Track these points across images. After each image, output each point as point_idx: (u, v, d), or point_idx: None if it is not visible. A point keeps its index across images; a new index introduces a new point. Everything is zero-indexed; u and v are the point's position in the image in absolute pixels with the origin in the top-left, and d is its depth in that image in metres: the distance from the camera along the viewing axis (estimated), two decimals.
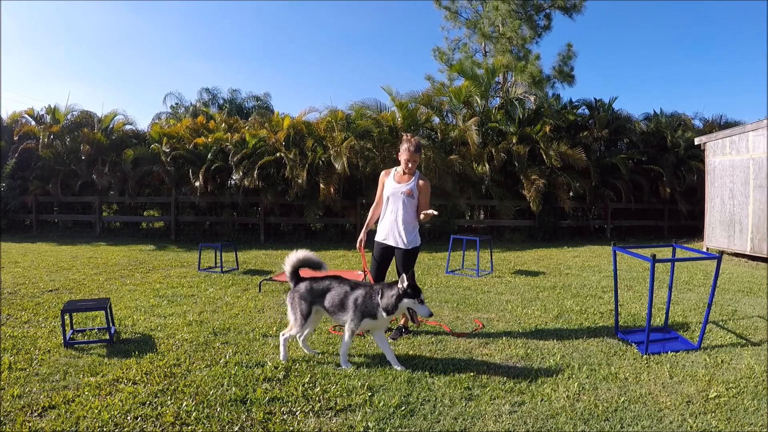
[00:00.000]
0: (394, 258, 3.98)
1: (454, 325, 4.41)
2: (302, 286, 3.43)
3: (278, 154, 10.87)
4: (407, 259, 3.86)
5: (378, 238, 3.98)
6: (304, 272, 3.52)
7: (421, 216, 3.80)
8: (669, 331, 4.16)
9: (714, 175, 9.36)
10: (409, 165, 3.82)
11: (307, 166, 10.52)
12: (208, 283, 6.17)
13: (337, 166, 10.30)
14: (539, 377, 3.16)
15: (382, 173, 4.05)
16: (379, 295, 3.26)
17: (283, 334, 3.44)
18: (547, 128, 11.40)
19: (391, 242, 3.91)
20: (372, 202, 4.18)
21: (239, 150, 10.95)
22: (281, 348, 3.42)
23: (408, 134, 3.94)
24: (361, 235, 4.02)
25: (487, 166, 11.16)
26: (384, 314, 3.25)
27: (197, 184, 10.88)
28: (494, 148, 11.28)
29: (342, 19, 42.64)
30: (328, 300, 3.38)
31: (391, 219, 3.89)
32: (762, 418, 2.64)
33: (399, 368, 3.25)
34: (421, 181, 3.88)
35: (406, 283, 3.19)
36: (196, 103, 14.64)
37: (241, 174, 10.73)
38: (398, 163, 3.96)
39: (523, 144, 11.49)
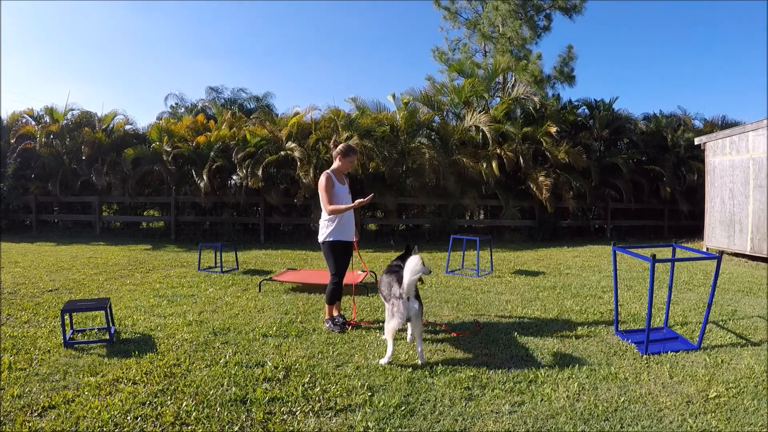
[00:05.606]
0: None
1: (453, 325, 4.41)
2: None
3: (282, 153, 10.86)
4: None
5: (349, 238, 4.23)
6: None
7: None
8: (669, 331, 4.16)
9: (714, 175, 9.36)
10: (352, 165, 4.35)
11: (314, 164, 10.50)
12: (208, 283, 6.17)
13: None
14: (539, 377, 3.16)
15: (327, 178, 4.15)
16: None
17: None
18: (553, 129, 11.39)
19: (353, 238, 4.33)
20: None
21: (242, 148, 10.94)
22: None
23: (341, 143, 4.29)
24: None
25: (494, 165, 11.11)
26: None
27: (201, 184, 10.86)
28: (499, 148, 11.26)
29: (342, 19, 42.65)
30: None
31: (351, 219, 4.26)
32: (762, 418, 2.64)
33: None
34: (347, 180, 4.42)
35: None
36: (200, 102, 14.56)
37: (244, 173, 10.71)
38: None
39: (527, 144, 11.48)
